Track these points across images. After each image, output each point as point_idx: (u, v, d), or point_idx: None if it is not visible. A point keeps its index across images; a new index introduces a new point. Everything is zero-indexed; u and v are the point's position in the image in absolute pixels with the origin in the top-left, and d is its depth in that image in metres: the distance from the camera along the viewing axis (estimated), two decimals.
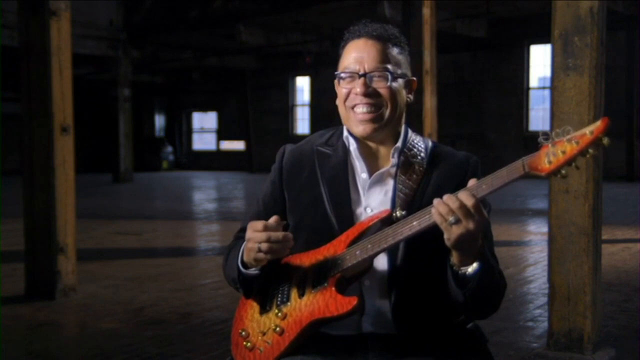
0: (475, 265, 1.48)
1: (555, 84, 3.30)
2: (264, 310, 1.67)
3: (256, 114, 23.02)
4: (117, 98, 18.41)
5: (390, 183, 1.67)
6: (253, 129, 22.84)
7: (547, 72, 17.53)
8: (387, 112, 1.66)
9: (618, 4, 14.30)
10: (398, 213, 1.60)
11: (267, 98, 23.13)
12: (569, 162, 1.33)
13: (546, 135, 1.36)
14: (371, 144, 1.71)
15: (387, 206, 1.63)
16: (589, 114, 3.18)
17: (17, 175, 6.03)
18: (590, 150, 1.31)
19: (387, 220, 1.57)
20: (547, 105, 16.28)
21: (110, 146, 18.68)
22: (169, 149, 25.50)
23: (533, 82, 18.48)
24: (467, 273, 1.49)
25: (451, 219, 1.40)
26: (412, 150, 1.70)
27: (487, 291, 1.54)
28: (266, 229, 1.55)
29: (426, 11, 8.62)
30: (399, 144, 1.69)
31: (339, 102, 1.72)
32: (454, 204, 1.40)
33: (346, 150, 1.72)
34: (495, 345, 3.52)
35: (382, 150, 1.71)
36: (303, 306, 1.59)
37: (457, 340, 1.65)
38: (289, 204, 1.73)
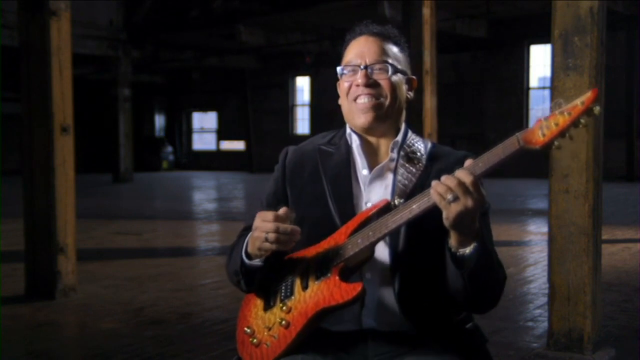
0: (472, 245, 1.49)
1: (555, 84, 3.30)
2: (267, 306, 1.68)
3: (256, 114, 23.03)
4: (117, 98, 18.42)
5: (390, 177, 1.70)
6: (253, 129, 22.84)
7: (547, 72, 17.54)
8: (387, 103, 1.70)
9: (618, 4, 14.31)
10: (397, 202, 1.61)
11: (267, 98, 23.13)
12: (562, 133, 1.36)
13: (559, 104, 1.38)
14: (372, 140, 1.74)
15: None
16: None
17: (17, 175, 6.04)
18: (582, 121, 1.34)
19: (386, 210, 1.58)
20: (547, 105, 16.28)
21: (110, 146, 18.69)
22: (169, 149, 25.51)
23: (533, 82, 18.50)
24: (465, 254, 1.49)
25: (449, 197, 1.41)
26: (411, 147, 1.73)
27: (486, 276, 1.54)
28: (276, 219, 1.56)
29: (426, 11, 8.61)
30: (399, 138, 1.72)
31: (341, 97, 1.76)
32: (452, 183, 1.41)
33: (348, 147, 1.75)
34: (495, 345, 3.52)
35: (383, 146, 1.74)
36: (308, 298, 1.60)
37: (457, 339, 1.65)
38: (291, 201, 1.75)
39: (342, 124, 1.80)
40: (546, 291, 3.66)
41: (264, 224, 1.56)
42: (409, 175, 1.67)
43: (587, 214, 3.23)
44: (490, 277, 1.56)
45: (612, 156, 14.38)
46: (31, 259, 4.95)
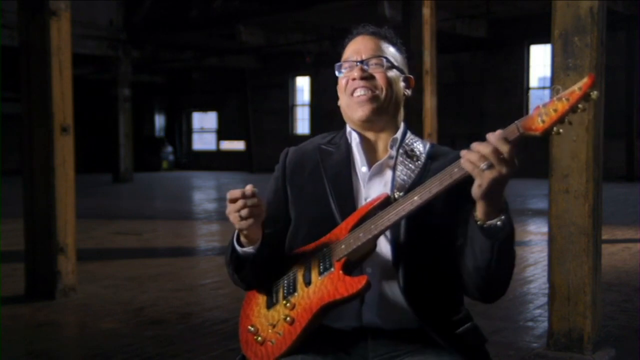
0: (503, 216, 1.47)
1: (555, 84, 3.29)
2: (270, 304, 1.68)
3: (256, 114, 23.02)
4: (117, 98, 18.42)
5: (389, 174, 1.71)
6: (253, 129, 22.84)
7: (547, 72, 17.55)
8: (383, 95, 1.72)
9: (618, 4, 14.31)
10: (396, 195, 1.62)
11: (267, 98, 23.13)
12: (561, 119, 1.36)
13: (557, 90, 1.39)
14: (371, 138, 1.76)
15: None
16: (588, 114, 3.19)
17: (17, 175, 6.03)
18: (580, 106, 1.35)
19: (386, 204, 1.59)
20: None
21: (110, 146, 18.69)
22: (169, 149, 25.50)
23: (533, 82, 18.50)
24: (497, 224, 1.47)
25: (483, 165, 1.39)
26: (410, 145, 1.75)
27: (511, 251, 1.54)
28: (242, 195, 1.56)
29: (426, 11, 8.61)
30: (397, 135, 1.74)
31: (340, 94, 1.78)
32: (486, 149, 1.38)
33: (348, 146, 1.77)
34: (495, 345, 3.53)
35: (382, 143, 1.76)
36: (311, 293, 1.60)
37: (457, 339, 1.65)
38: (291, 199, 1.76)
39: (342, 124, 1.82)
40: (546, 291, 3.66)
41: (233, 205, 1.58)
42: (408, 172, 1.69)
43: (587, 214, 3.23)
44: (512, 254, 1.56)
45: (612, 156, 14.38)
46: (31, 259, 4.95)
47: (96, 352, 3.74)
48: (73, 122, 4.94)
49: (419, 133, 7.81)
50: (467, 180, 1.45)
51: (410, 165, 1.70)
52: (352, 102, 1.73)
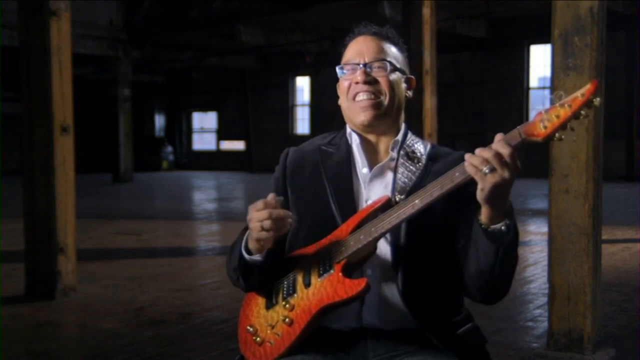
0: (507, 220, 1.47)
1: (555, 84, 3.30)
2: (270, 304, 1.68)
3: (256, 114, 23.02)
4: (117, 98, 18.42)
5: (390, 176, 1.70)
6: (253, 129, 22.84)
7: (547, 72, 17.54)
8: (386, 100, 1.71)
9: (618, 4, 14.30)
10: (397, 198, 1.62)
11: (267, 98, 23.12)
12: (563, 126, 1.36)
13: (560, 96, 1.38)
14: (372, 140, 1.75)
15: None
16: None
17: (17, 175, 6.03)
18: (583, 112, 1.34)
19: (387, 206, 1.58)
20: (547, 105, 16.25)
21: (110, 146, 18.69)
22: (169, 149, 25.50)
23: (533, 82, 18.49)
24: (502, 228, 1.47)
25: (485, 168, 1.39)
26: (411, 147, 1.74)
27: (515, 254, 1.53)
28: (266, 206, 1.56)
29: (426, 11, 8.62)
30: (399, 137, 1.73)
31: (341, 96, 1.77)
32: (488, 154, 1.39)
33: (349, 147, 1.76)
34: (495, 345, 3.53)
35: (383, 145, 1.75)
36: (311, 295, 1.60)
37: (457, 339, 1.65)
38: (292, 199, 1.76)
39: (342, 124, 1.81)
40: (546, 291, 3.66)
41: (257, 213, 1.56)
42: (409, 174, 1.68)
43: (587, 214, 3.23)
44: (515, 257, 1.56)
45: (612, 156, 14.38)
46: (31, 259, 4.95)
47: (96, 352, 3.74)
48: (73, 122, 4.94)
49: (419, 133, 7.78)
50: (469, 183, 1.46)
51: (411, 167, 1.70)
52: (355, 107, 1.72)
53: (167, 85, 25.00)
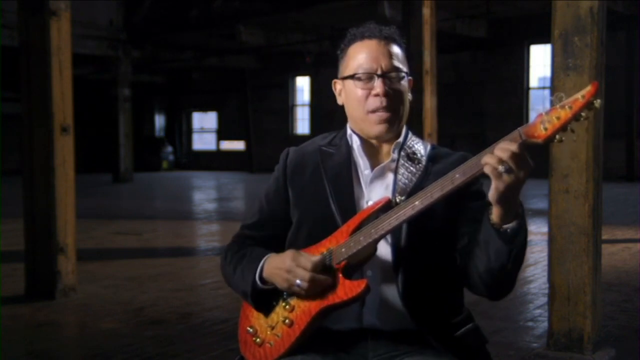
0: (518, 220, 1.48)
1: (555, 84, 3.30)
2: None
3: (256, 114, 23.02)
4: (117, 98, 18.42)
5: (391, 177, 1.70)
6: (253, 129, 22.84)
7: (547, 72, 17.53)
8: (401, 112, 1.71)
9: (618, 4, 14.30)
10: (398, 199, 1.61)
11: (267, 98, 23.13)
12: (564, 127, 1.36)
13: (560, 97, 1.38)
14: (374, 142, 1.74)
15: None
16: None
17: (17, 175, 6.03)
18: (583, 114, 1.34)
19: (387, 207, 1.58)
20: (547, 105, 16.25)
21: (110, 146, 18.69)
22: (169, 149, 25.50)
23: (533, 82, 18.49)
24: (514, 227, 1.48)
25: (501, 167, 1.39)
26: (412, 148, 1.73)
27: (524, 252, 1.54)
28: (314, 268, 1.56)
29: (426, 11, 8.62)
30: (400, 139, 1.73)
31: (351, 103, 1.73)
32: (504, 154, 1.39)
33: (349, 148, 1.76)
34: (495, 345, 3.52)
35: (384, 147, 1.74)
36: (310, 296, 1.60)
37: (457, 340, 1.65)
38: (292, 199, 1.76)
39: (342, 124, 1.80)
40: (546, 291, 3.66)
41: (300, 270, 1.57)
42: (409, 175, 1.68)
43: (587, 214, 3.23)
44: (524, 256, 1.56)
45: (612, 156, 14.38)
46: (31, 259, 4.95)
47: (96, 352, 3.74)
48: (73, 122, 4.94)
49: (419, 133, 7.78)
50: (469, 183, 1.46)
51: (411, 168, 1.69)
52: (371, 120, 1.69)
53: (167, 85, 25.00)
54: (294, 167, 1.78)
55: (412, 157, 1.71)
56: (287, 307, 1.63)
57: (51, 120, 4.79)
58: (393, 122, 1.69)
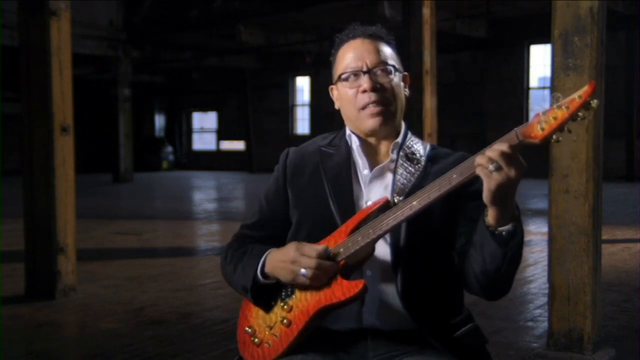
0: (514, 223, 1.47)
1: (555, 84, 3.30)
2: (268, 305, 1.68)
3: (256, 114, 23.02)
4: (117, 98, 18.42)
5: (390, 177, 1.70)
6: (253, 129, 22.84)
7: (547, 72, 17.53)
8: (393, 106, 1.70)
9: (618, 4, 14.30)
10: (396, 199, 1.61)
11: (267, 98, 23.13)
12: (560, 127, 1.35)
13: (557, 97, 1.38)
14: (373, 142, 1.74)
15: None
16: (589, 114, 3.18)
17: (17, 175, 6.03)
18: (580, 114, 1.34)
19: (386, 207, 1.58)
20: (547, 105, 16.24)
21: (110, 146, 18.69)
22: (169, 149, 25.50)
23: (533, 82, 18.49)
24: (509, 230, 1.47)
25: (491, 166, 1.39)
26: (411, 148, 1.73)
27: (520, 255, 1.53)
28: (319, 255, 1.56)
29: (426, 11, 8.62)
30: (399, 139, 1.73)
31: (343, 103, 1.75)
32: (493, 153, 1.39)
33: (349, 148, 1.76)
34: (495, 345, 3.52)
35: (383, 147, 1.74)
36: (309, 296, 1.60)
37: (457, 340, 1.65)
38: (292, 200, 1.76)
39: (342, 124, 1.81)
40: (546, 291, 3.66)
41: (305, 259, 1.57)
42: (408, 175, 1.68)
43: (587, 214, 3.23)
44: (520, 258, 1.56)
45: (612, 156, 14.38)
46: (31, 259, 4.95)
47: (96, 352, 3.74)
48: (73, 122, 4.94)
49: (419, 133, 7.77)
50: (467, 184, 1.46)
51: (410, 168, 1.69)
52: (363, 116, 1.69)
53: (167, 85, 25.00)
54: (294, 168, 1.78)
55: (411, 157, 1.71)
56: (285, 307, 1.63)
57: (51, 120, 4.79)
58: (386, 116, 1.68)
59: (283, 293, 1.65)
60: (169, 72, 23.79)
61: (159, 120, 26.92)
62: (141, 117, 25.38)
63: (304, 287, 1.60)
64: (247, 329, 1.71)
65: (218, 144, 25.56)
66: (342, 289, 1.56)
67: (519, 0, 15.09)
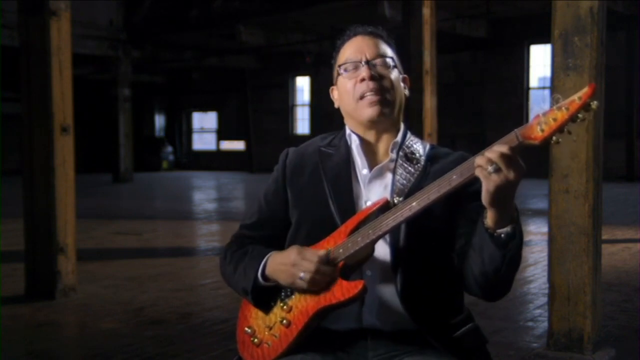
0: (513, 225, 1.47)
1: (555, 84, 3.30)
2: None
3: (256, 114, 23.02)
4: (117, 98, 18.42)
5: (389, 177, 1.70)
6: (253, 129, 22.84)
7: (547, 72, 17.53)
8: (392, 97, 1.70)
9: (618, 4, 14.30)
10: (396, 200, 1.61)
11: (267, 98, 23.13)
12: (560, 129, 1.35)
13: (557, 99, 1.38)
14: (372, 141, 1.74)
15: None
16: (589, 114, 3.18)
17: (17, 175, 6.03)
18: (580, 115, 1.34)
19: (386, 208, 1.58)
20: (547, 105, 16.24)
21: (110, 146, 18.69)
22: (169, 149, 25.50)
23: (533, 82, 18.49)
24: (508, 232, 1.47)
25: (490, 168, 1.39)
26: (410, 148, 1.73)
27: (520, 256, 1.53)
28: (320, 261, 1.56)
29: (426, 11, 8.61)
30: (398, 138, 1.73)
31: (343, 97, 1.75)
32: (493, 155, 1.39)
33: (348, 148, 1.76)
34: (495, 345, 3.52)
35: (382, 146, 1.74)
36: (308, 297, 1.60)
37: (457, 340, 1.65)
38: (291, 200, 1.76)
39: (341, 125, 1.81)
40: (546, 291, 3.66)
41: (305, 262, 1.57)
42: (408, 175, 1.68)
43: (587, 214, 3.23)
44: (519, 259, 1.55)
45: (612, 156, 14.37)
46: (31, 259, 4.95)
47: (96, 352, 3.74)
48: (73, 122, 4.94)
49: (419, 133, 7.77)
50: (467, 184, 1.46)
51: (409, 168, 1.69)
52: (361, 105, 1.70)
53: (167, 85, 25.00)
54: (293, 168, 1.78)
55: (410, 157, 1.71)
56: (285, 307, 1.63)
57: (51, 120, 4.79)
58: (384, 106, 1.69)
59: (283, 294, 1.65)
60: (169, 72, 23.79)
61: (159, 120, 26.92)
62: (141, 117, 25.38)
63: (303, 291, 1.61)
64: (246, 329, 1.71)
65: (218, 144, 25.56)
66: (342, 290, 1.56)
67: (519, 0, 15.09)
